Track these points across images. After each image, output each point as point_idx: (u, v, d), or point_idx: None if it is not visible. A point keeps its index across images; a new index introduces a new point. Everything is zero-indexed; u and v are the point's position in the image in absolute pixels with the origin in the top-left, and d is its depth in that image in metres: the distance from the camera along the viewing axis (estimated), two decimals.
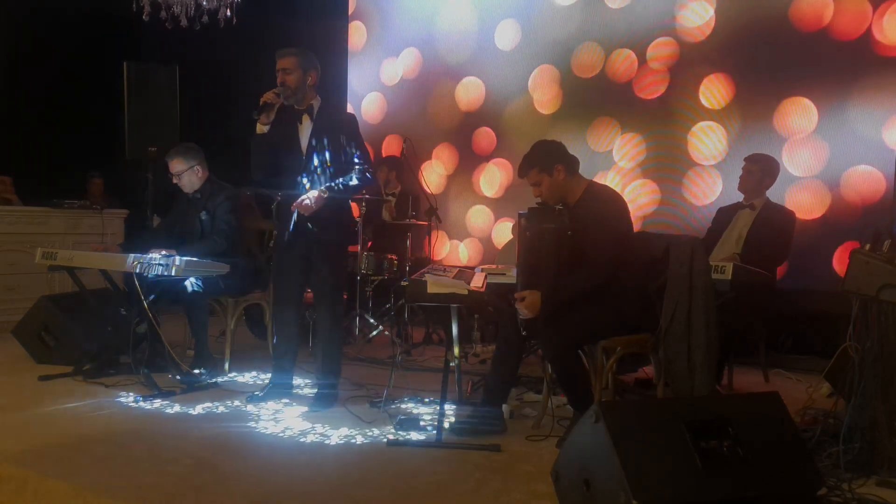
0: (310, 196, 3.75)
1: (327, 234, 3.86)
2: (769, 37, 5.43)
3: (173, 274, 3.96)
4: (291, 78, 3.80)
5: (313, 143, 3.86)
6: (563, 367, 3.31)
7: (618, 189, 4.89)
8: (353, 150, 3.90)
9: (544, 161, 3.46)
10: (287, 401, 3.96)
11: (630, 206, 3.60)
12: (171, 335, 4.63)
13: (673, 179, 5.86)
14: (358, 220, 5.67)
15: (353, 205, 5.42)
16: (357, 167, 3.89)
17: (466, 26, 7.01)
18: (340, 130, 3.90)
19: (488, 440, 3.27)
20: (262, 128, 3.82)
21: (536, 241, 3.27)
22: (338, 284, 4.00)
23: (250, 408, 3.86)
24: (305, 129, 3.88)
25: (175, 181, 4.62)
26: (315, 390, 3.98)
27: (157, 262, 3.98)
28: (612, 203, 3.47)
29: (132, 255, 4.09)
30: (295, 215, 3.81)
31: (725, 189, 5.50)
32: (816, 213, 5.20)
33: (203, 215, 4.56)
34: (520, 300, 3.27)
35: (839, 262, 5.01)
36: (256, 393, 4.01)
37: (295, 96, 3.84)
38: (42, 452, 3.08)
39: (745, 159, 4.77)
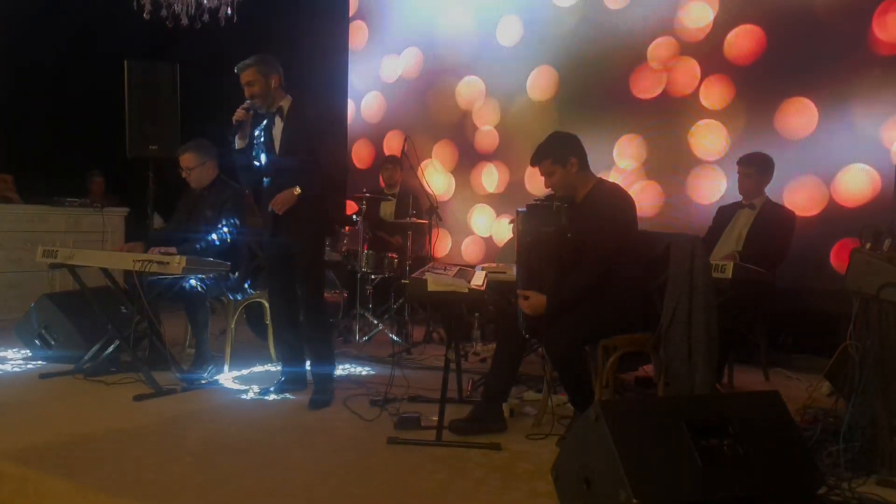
0: (282, 196, 3.84)
1: (302, 228, 3.93)
2: (768, 36, 5.42)
3: (174, 272, 3.95)
4: (255, 89, 3.91)
5: (284, 142, 3.94)
6: (565, 367, 3.31)
7: None
8: (322, 144, 3.97)
9: (559, 152, 3.46)
10: (290, 396, 3.99)
11: None
12: (171, 334, 4.63)
13: (673, 179, 5.85)
14: (358, 218, 5.68)
15: (351, 202, 5.44)
16: (323, 158, 3.97)
17: (467, 25, 7.01)
18: (309, 126, 3.96)
19: (488, 439, 3.27)
20: (240, 142, 3.94)
21: (536, 245, 3.27)
22: (317, 277, 4.09)
23: (257, 402, 3.90)
24: (278, 130, 3.96)
25: (185, 176, 4.62)
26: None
27: (158, 260, 3.97)
28: (617, 201, 3.45)
29: (133, 254, 4.09)
30: (271, 215, 3.91)
31: (725, 188, 5.49)
32: (814, 211, 5.19)
33: (209, 213, 4.56)
34: (523, 298, 3.26)
35: (836, 258, 5.02)
36: (269, 388, 4.06)
37: (264, 103, 3.93)
38: (42, 450, 3.07)
39: (738, 163, 4.76)
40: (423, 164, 6.69)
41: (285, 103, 3.96)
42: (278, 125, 3.95)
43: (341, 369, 4.59)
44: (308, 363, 4.09)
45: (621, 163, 6.10)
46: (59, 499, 2.66)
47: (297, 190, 3.84)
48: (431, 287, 3.26)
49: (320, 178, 3.97)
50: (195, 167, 4.57)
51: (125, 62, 5.95)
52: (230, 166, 4.77)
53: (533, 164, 3.54)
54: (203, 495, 2.67)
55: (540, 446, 3.26)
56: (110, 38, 7.19)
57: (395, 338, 5.49)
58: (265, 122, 3.98)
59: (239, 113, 3.89)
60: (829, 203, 5.15)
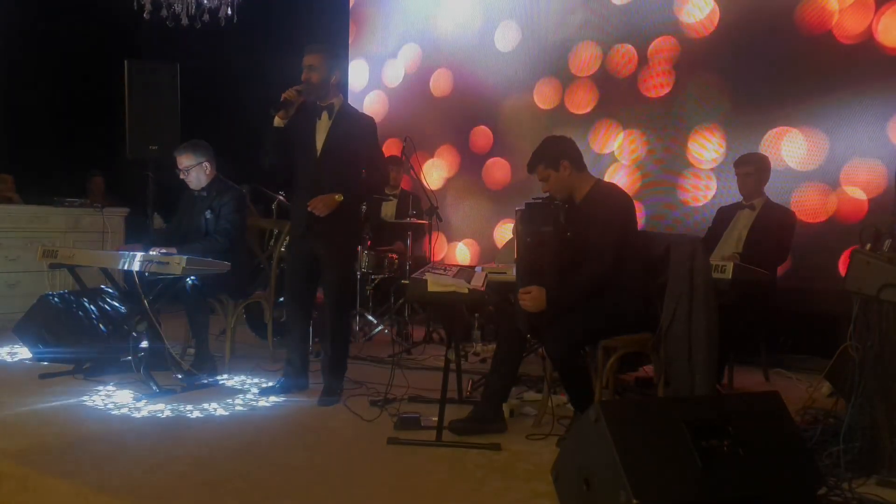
0: (324, 199, 3.80)
1: (337, 235, 3.91)
2: (772, 35, 5.42)
3: (174, 272, 3.95)
4: (316, 75, 3.85)
5: (329, 142, 3.89)
6: (565, 367, 3.30)
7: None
8: (370, 153, 3.97)
9: (550, 157, 3.47)
10: (291, 397, 4.00)
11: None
12: (171, 334, 4.62)
13: (674, 178, 5.85)
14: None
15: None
16: (372, 169, 3.97)
17: (467, 24, 7.01)
18: (357, 132, 3.94)
19: (488, 439, 3.27)
20: (279, 121, 3.86)
21: (537, 246, 3.27)
22: (346, 284, 4.08)
23: (260, 402, 3.91)
24: (323, 127, 3.92)
25: (182, 177, 4.62)
26: (322, 386, 4.02)
27: (158, 260, 3.97)
28: (617, 201, 3.46)
29: (132, 254, 4.09)
30: (306, 215, 3.85)
31: (726, 188, 5.49)
32: (823, 216, 5.16)
33: (208, 214, 4.56)
34: (525, 293, 3.26)
35: (845, 265, 4.98)
36: (269, 388, 4.06)
37: (317, 93, 3.88)
38: (42, 451, 3.08)
39: (736, 164, 4.77)
40: (422, 164, 6.70)
41: (336, 102, 3.94)
42: (324, 121, 3.91)
43: None
44: (322, 364, 4.09)
45: (621, 161, 6.10)
46: (59, 499, 2.66)
47: (339, 196, 3.80)
48: (431, 287, 3.26)
49: (363, 189, 3.97)
50: (192, 167, 4.57)
51: (125, 62, 5.94)
52: (223, 164, 4.79)
53: (529, 170, 3.57)
54: (202, 495, 2.66)
55: (540, 447, 3.26)
56: (110, 37, 7.19)
57: (395, 338, 5.48)
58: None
59: (290, 92, 3.81)
60: (839, 207, 5.10)
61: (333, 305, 4.00)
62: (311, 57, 3.85)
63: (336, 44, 3.86)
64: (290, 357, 4.14)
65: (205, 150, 4.61)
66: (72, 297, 4.88)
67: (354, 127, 3.94)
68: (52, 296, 4.92)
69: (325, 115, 3.91)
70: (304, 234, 3.95)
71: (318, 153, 3.89)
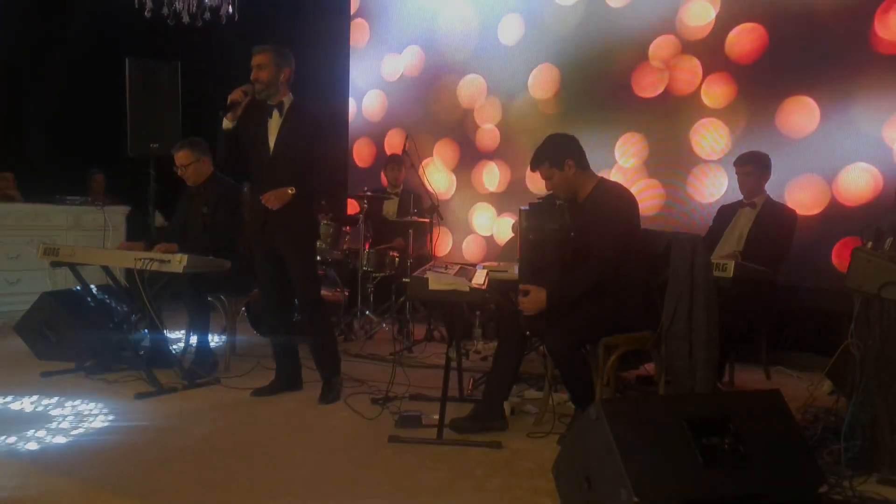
0: (277, 192, 3.81)
1: (294, 227, 3.91)
2: (770, 34, 5.42)
3: (175, 270, 3.96)
4: (264, 74, 3.89)
5: (280, 140, 3.91)
6: (566, 365, 3.31)
7: None
8: (317, 147, 3.95)
9: (555, 155, 3.47)
10: (290, 395, 3.99)
11: None
12: (171, 332, 4.63)
13: (674, 178, 5.84)
14: (360, 216, 5.69)
15: (353, 201, 5.43)
16: (319, 166, 3.97)
17: (468, 23, 7.01)
18: (307, 129, 3.94)
19: (489, 437, 3.27)
20: (227, 123, 3.90)
21: (540, 243, 3.27)
22: (312, 277, 4.07)
23: (258, 401, 3.90)
24: (274, 125, 3.93)
25: (180, 173, 4.65)
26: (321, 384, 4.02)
27: (158, 258, 3.98)
28: (621, 200, 3.46)
29: (134, 252, 4.10)
30: (262, 210, 3.86)
31: (726, 187, 5.49)
32: (815, 210, 5.18)
33: (205, 210, 4.58)
34: (523, 293, 3.26)
35: (837, 257, 5.01)
36: (265, 387, 4.05)
37: (267, 91, 3.91)
38: (43, 450, 3.09)
39: (736, 163, 4.76)
40: (424, 162, 6.70)
41: (286, 100, 3.94)
42: (275, 120, 3.92)
43: None
44: (314, 362, 4.08)
45: (622, 160, 6.09)
46: (61, 497, 2.66)
47: (292, 190, 3.82)
48: (433, 286, 3.26)
49: (315, 181, 3.97)
50: (190, 164, 4.60)
51: (126, 60, 5.95)
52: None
53: (532, 168, 3.56)
54: (203, 494, 2.67)
55: (541, 445, 3.26)
56: (111, 36, 7.19)
57: (396, 336, 5.48)
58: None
59: (236, 94, 3.85)
60: (831, 202, 5.14)
61: (304, 302, 4.02)
62: (258, 56, 3.90)
63: (280, 44, 3.86)
64: (278, 357, 4.14)
65: (202, 146, 4.64)
66: (73, 295, 4.88)
67: (304, 123, 3.94)
68: (53, 293, 4.92)
69: (275, 113, 3.93)
70: (261, 230, 3.94)
71: (271, 151, 3.91)
